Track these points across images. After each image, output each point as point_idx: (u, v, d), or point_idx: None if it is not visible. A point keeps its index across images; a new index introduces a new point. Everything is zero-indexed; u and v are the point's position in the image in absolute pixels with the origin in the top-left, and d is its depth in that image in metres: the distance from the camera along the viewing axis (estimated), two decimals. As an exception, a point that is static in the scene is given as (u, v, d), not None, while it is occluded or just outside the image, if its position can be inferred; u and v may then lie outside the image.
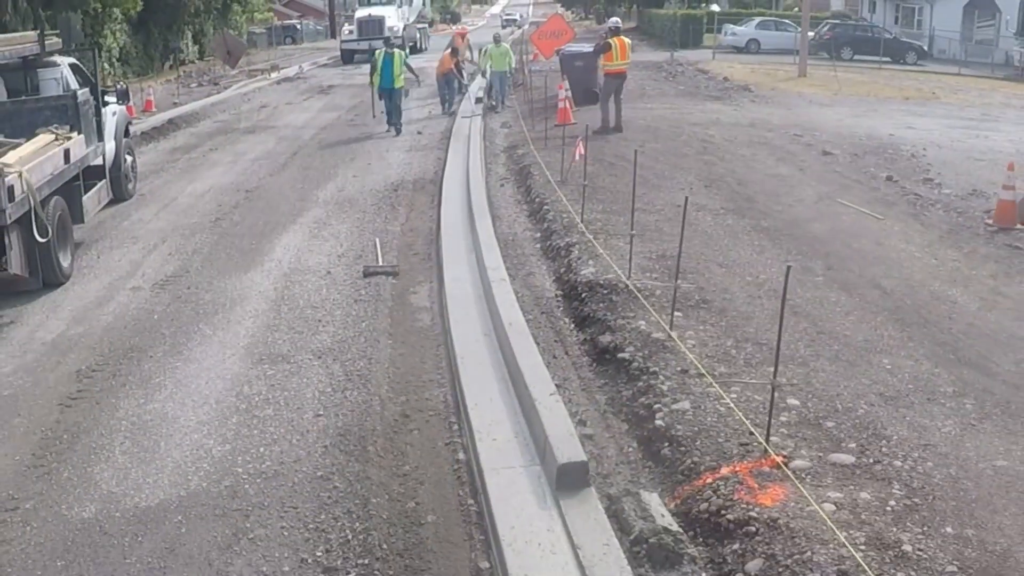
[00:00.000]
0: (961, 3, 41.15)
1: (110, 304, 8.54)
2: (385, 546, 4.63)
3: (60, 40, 11.43)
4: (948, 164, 14.62)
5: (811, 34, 36.99)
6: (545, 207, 11.07)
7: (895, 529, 4.43)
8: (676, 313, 7.05)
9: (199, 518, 4.97)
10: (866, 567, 4.03)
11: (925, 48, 39.59)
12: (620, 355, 6.62)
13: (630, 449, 5.55)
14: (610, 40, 15.90)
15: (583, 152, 10.89)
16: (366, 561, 4.51)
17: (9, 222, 7.84)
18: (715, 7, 52.06)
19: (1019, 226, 10.60)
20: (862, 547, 4.25)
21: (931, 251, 9.41)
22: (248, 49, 35.30)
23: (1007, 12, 38.69)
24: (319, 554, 4.60)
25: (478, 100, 21.73)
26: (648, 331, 6.84)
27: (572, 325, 7.63)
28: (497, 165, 14.80)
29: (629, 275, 7.99)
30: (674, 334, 6.65)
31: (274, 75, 31.66)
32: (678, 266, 7.06)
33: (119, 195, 12.23)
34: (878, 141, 16.35)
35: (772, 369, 5.35)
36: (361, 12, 37.72)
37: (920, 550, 4.28)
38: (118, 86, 13.33)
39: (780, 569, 4.19)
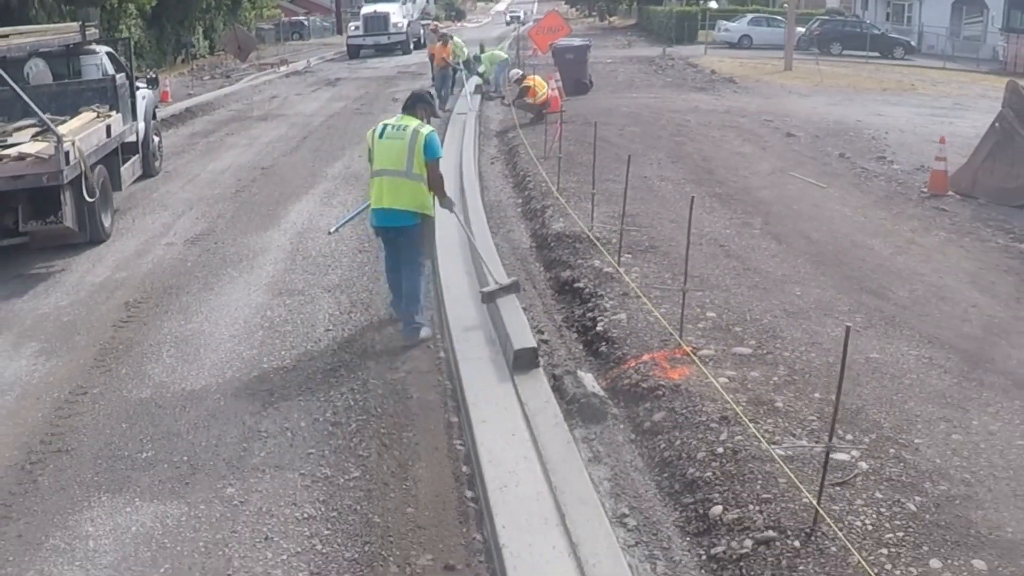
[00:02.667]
0: (949, 0, 42.36)
1: (148, 256, 9.93)
2: (379, 410, 6.02)
3: (97, 31, 12.81)
4: (905, 145, 15.94)
5: (801, 30, 38.36)
6: (527, 179, 12.45)
7: (773, 394, 5.80)
8: (627, 255, 8.43)
9: (234, 396, 6.35)
10: (741, 414, 5.40)
11: (913, 44, 40.82)
12: (576, 285, 8.01)
13: (576, 349, 6.94)
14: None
15: (560, 132, 12.26)
16: (364, 418, 5.90)
17: (65, 182, 9.22)
18: (713, 4, 53.31)
19: (950, 193, 11.96)
20: (743, 403, 5.62)
21: (863, 212, 10.77)
22: (257, 44, 36.70)
23: (994, 8, 39.89)
24: (328, 415, 5.98)
25: (475, 91, 22.65)
26: (601, 267, 8.23)
27: (541, 267, 9.02)
28: (489, 147, 16.17)
29: (592, 228, 9.35)
30: (621, 269, 8.02)
31: (283, 69, 33.08)
32: (623, 212, 8.41)
33: (148, 171, 13.62)
34: (844, 126, 17.69)
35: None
36: (367, 8, 39.11)
37: (789, 407, 5.65)
38: (148, 74, 14.72)
39: (677, 418, 5.57)
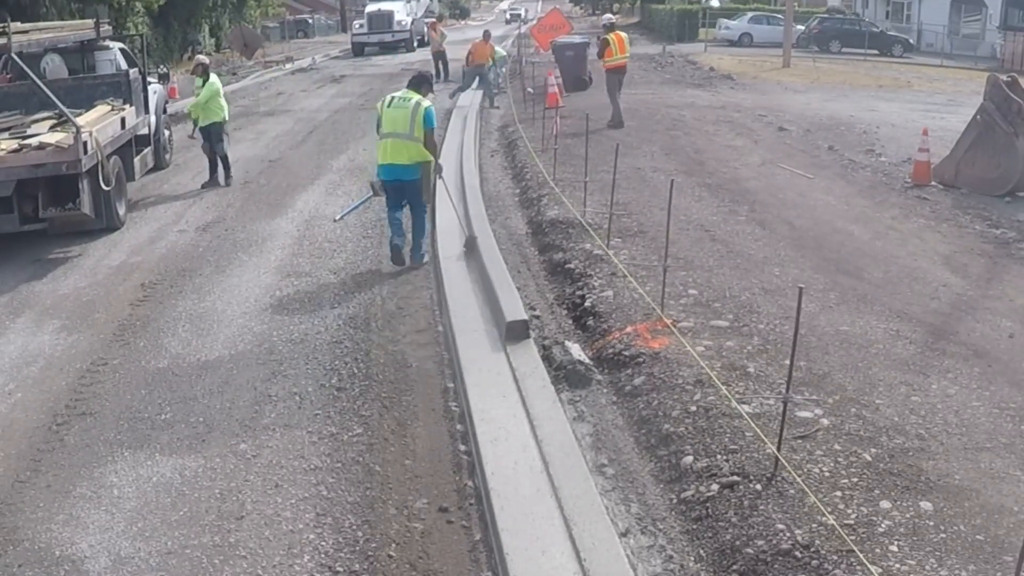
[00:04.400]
0: (948, -2, 42.77)
1: (161, 242, 10.39)
2: (381, 376, 6.47)
3: (111, 28, 13.28)
4: (894, 139, 16.36)
5: (801, 28, 38.77)
6: (525, 170, 12.90)
7: (746, 361, 6.24)
8: (617, 240, 8.88)
9: (245, 365, 6.81)
10: (714, 377, 5.84)
11: (911, 41, 41.18)
12: (568, 266, 8.46)
13: (566, 324, 7.40)
14: (607, 36, 16.71)
15: (558, 126, 12.70)
16: (366, 383, 6.35)
17: (83, 171, 9.68)
18: (714, 2, 53.69)
19: (933, 183, 12.38)
20: (717, 369, 6.05)
21: (846, 201, 11.20)
22: (263, 42, 37.16)
23: (992, 7, 40.27)
24: (333, 381, 6.44)
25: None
26: (591, 250, 8.67)
27: (536, 251, 9.47)
28: (490, 140, 16.62)
29: (584, 215, 9.78)
30: (610, 252, 8.46)
31: (289, 66, 33.57)
32: (612, 199, 8.85)
33: (159, 163, 14.08)
34: (836, 121, 18.10)
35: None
36: (371, 7, 39.56)
37: (760, 371, 6.09)
38: (159, 70, 15.19)
39: (656, 381, 6.01)
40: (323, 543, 4.61)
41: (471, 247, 8.52)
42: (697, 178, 12.10)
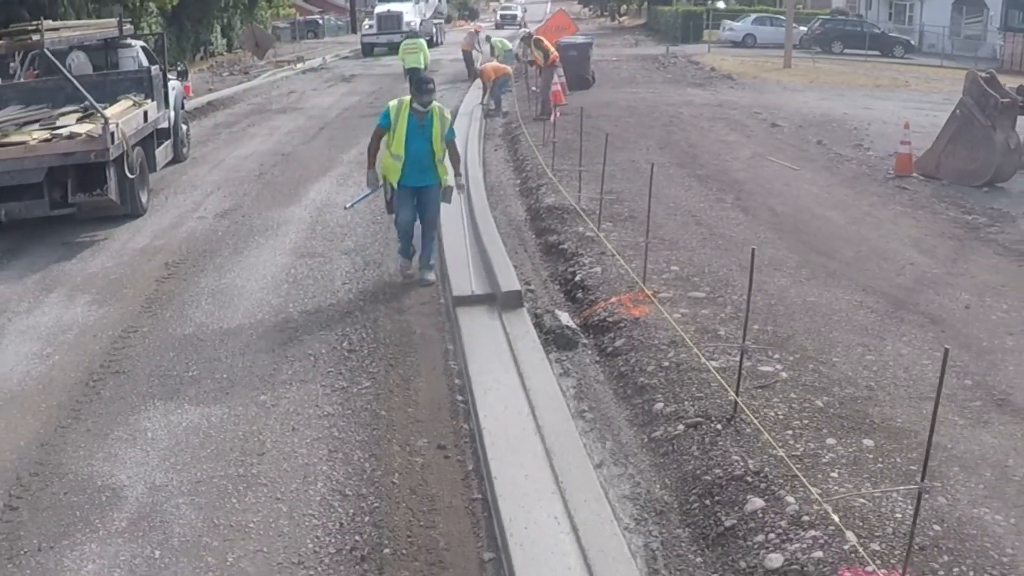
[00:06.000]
0: (950, 0, 43.24)
1: (182, 227, 11.06)
2: (387, 341, 7.12)
3: (132, 27, 13.99)
4: (884, 135, 16.93)
5: (804, 29, 39.35)
6: (526, 163, 13.55)
7: (718, 326, 6.87)
8: (608, 224, 9.52)
9: (264, 332, 7.46)
10: (687, 338, 6.47)
11: (912, 43, 41.72)
12: (561, 247, 9.10)
13: (557, 297, 8.05)
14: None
15: (557, 116, 13.35)
16: (374, 346, 7.01)
17: (111, 159, 10.36)
18: (720, 4, 54.30)
19: (914, 175, 12.99)
20: (691, 332, 6.69)
21: (828, 190, 11.82)
22: (274, 42, 37.91)
23: (993, 8, 40.78)
24: (344, 346, 7.09)
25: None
26: (583, 232, 9.32)
27: (533, 235, 10.12)
28: (494, 136, 17.27)
29: (579, 202, 10.42)
30: (601, 234, 9.10)
31: (300, 66, 34.28)
32: (602, 187, 9.49)
33: (178, 156, 14.76)
34: (829, 118, 18.71)
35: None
36: (380, 8, 40.28)
37: (730, 334, 6.71)
38: (178, 67, 15.88)
39: (634, 342, 6.65)
40: (335, 473, 5.26)
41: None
42: (688, 169, 12.73)
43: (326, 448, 5.54)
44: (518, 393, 5.85)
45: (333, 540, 4.64)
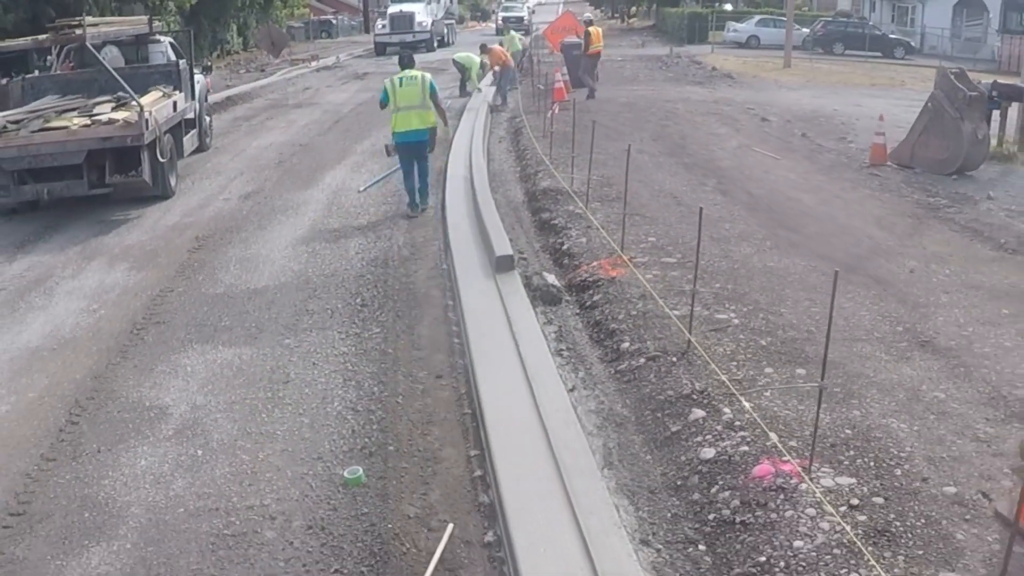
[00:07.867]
0: (951, 2, 43.99)
1: (209, 207, 12.08)
2: (396, 297, 8.12)
3: (161, 24, 15.03)
4: (869, 130, 17.64)
5: (807, 30, 40.21)
6: (526, 152, 14.53)
7: (683, 283, 7.82)
8: (596, 204, 10.49)
9: (287, 291, 8.47)
10: (652, 290, 7.42)
11: (913, 44, 42.52)
12: (553, 222, 10.08)
13: (547, 263, 9.02)
14: (588, 30, 20.50)
15: (557, 111, 14.31)
16: (384, 301, 8.00)
17: (145, 143, 11.38)
18: (728, 6, 55.16)
19: (888, 164, 13.90)
20: (659, 289, 7.64)
21: (804, 177, 12.75)
22: (289, 41, 39.00)
23: (993, 11, 41.54)
24: (357, 301, 8.08)
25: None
26: (573, 210, 10.29)
27: (529, 214, 11.09)
28: (499, 129, 18.25)
29: (571, 185, 11.39)
30: (588, 211, 10.07)
31: (314, 64, 35.36)
32: (589, 171, 10.44)
33: (202, 145, 15.81)
34: (819, 114, 19.62)
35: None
36: (393, 8, 41.26)
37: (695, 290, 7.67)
38: (204, 62, 16.93)
39: (609, 297, 7.62)
40: (348, 395, 6.25)
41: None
42: (677, 158, 13.69)
43: (341, 378, 6.53)
44: (506, 336, 6.82)
45: (346, 442, 5.63)
